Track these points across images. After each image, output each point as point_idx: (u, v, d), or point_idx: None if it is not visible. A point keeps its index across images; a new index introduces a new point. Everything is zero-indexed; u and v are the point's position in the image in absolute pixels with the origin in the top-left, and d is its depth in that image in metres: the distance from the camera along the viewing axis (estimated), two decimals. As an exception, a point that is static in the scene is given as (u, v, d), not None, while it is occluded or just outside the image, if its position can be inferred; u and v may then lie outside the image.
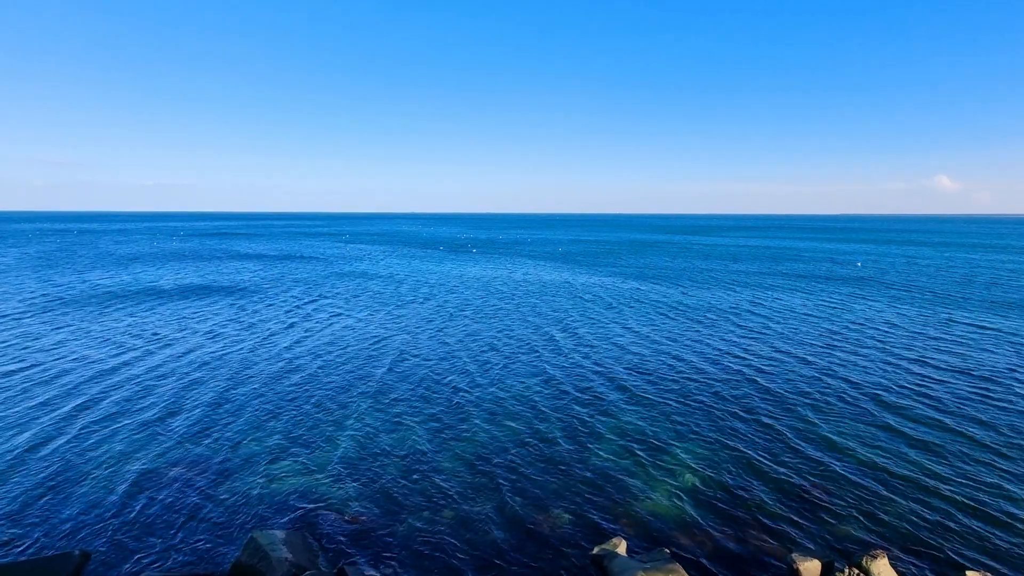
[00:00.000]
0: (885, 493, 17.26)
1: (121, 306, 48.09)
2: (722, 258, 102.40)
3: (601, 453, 20.09)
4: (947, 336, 37.60)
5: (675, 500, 17.00)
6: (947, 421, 22.77)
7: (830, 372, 29.61)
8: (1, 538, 14.84)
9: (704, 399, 25.59)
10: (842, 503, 16.74)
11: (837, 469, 18.83)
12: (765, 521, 15.85)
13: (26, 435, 21.11)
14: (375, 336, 37.69)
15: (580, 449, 20.45)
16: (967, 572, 13.11)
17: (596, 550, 14.16)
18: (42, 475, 18.18)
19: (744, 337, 37.57)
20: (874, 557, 12.93)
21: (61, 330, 38.24)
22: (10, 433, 21.31)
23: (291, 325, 41.20)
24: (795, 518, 15.98)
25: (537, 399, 25.62)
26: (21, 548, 14.49)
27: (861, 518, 15.95)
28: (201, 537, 15.02)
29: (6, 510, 16.18)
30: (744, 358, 32.36)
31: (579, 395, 26.20)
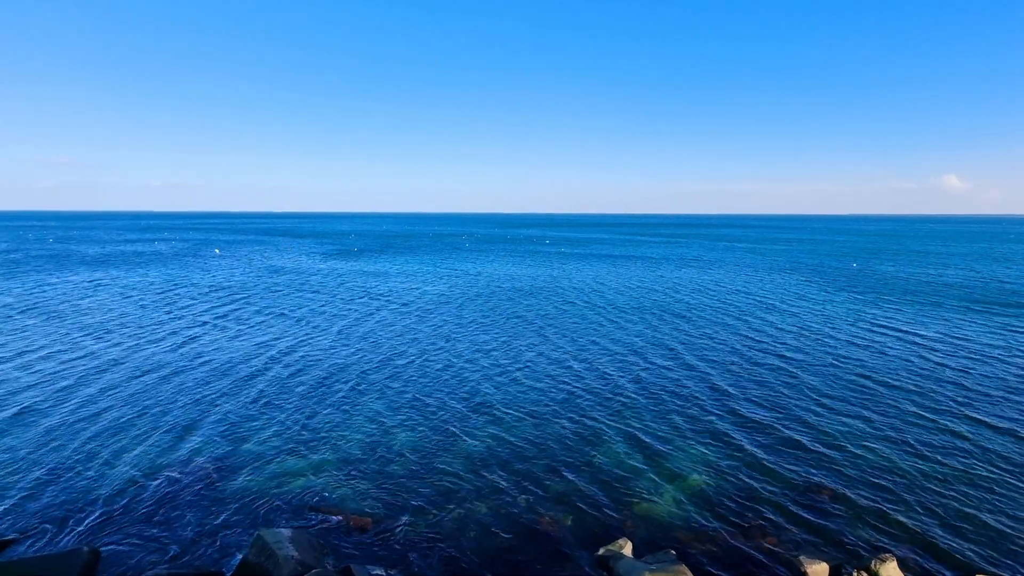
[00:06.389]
0: (894, 495, 17.15)
1: (99, 297, 48.41)
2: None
3: (606, 454, 20.05)
4: (966, 341, 37.39)
5: (681, 502, 16.95)
6: (958, 422, 22.62)
7: (833, 373, 29.47)
8: (10, 535, 14.95)
9: (710, 400, 25.51)
10: (850, 505, 16.64)
11: (845, 470, 18.72)
12: (772, 523, 15.79)
13: (31, 433, 21.25)
14: (377, 336, 37.75)
15: (585, 450, 20.41)
16: (976, 575, 13.04)
17: (602, 551, 14.15)
18: (49, 473, 18.28)
19: (745, 338, 37.46)
20: (883, 560, 12.88)
21: (62, 323, 38.54)
22: (15, 431, 21.46)
23: (288, 322, 41.36)
24: (803, 520, 15.91)
25: (541, 400, 25.61)
26: (30, 545, 14.59)
27: (870, 520, 15.86)
28: (209, 535, 15.08)
29: (15, 508, 16.29)
30: (748, 358, 32.25)
31: (583, 396, 26.17)
